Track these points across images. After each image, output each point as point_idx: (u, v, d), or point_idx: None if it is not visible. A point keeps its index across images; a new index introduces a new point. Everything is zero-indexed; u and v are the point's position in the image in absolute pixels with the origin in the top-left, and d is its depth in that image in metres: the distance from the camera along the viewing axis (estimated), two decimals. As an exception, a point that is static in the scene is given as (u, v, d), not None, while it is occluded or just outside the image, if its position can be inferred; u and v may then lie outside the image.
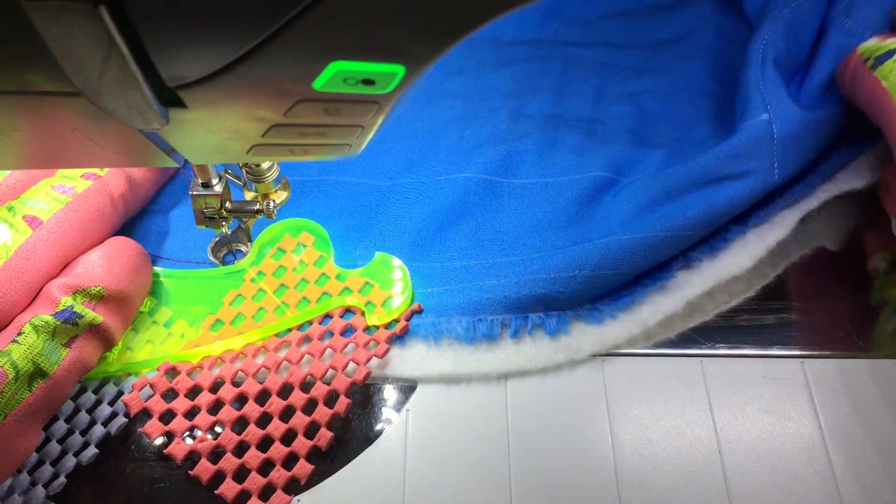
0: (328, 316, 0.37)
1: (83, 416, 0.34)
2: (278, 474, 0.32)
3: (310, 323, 0.37)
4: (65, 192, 0.35)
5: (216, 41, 0.18)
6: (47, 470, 0.32)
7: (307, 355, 0.36)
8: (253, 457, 0.32)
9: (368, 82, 0.20)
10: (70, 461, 0.33)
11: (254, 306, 0.38)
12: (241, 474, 0.32)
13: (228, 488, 0.31)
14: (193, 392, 0.35)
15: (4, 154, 0.24)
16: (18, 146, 0.24)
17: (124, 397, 0.34)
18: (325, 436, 0.33)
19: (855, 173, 0.41)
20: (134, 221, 0.41)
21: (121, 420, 0.34)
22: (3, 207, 0.33)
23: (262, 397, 0.34)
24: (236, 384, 0.35)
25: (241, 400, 0.34)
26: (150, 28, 0.17)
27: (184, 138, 0.23)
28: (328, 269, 0.39)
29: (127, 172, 0.38)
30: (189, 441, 0.33)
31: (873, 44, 0.38)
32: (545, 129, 0.46)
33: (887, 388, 0.34)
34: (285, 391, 0.34)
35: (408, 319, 0.37)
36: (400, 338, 0.36)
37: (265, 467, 0.32)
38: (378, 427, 0.34)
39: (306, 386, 0.35)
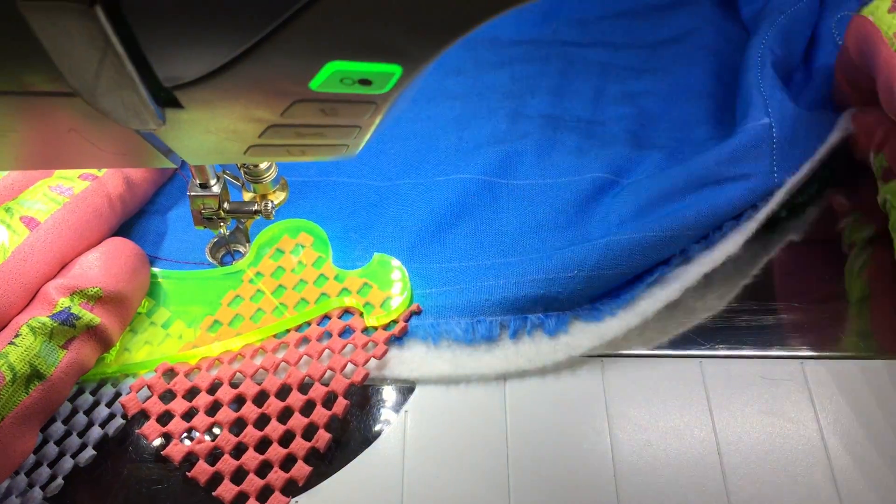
0: (326, 317, 0.37)
1: (81, 418, 0.34)
2: (276, 476, 0.32)
3: (308, 324, 0.37)
4: (62, 192, 0.35)
5: (212, 41, 0.18)
6: (45, 471, 0.32)
7: (305, 356, 0.36)
8: (251, 458, 0.32)
9: (365, 82, 0.20)
10: (68, 463, 0.33)
11: (252, 307, 0.37)
12: (238, 476, 0.32)
13: (226, 490, 0.31)
14: (191, 393, 0.34)
15: (1, 155, 0.24)
16: (15, 147, 0.24)
17: (122, 399, 0.34)
18: (323, 437, 0.33)
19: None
20: (132, 222, 0.41)
21: (118, 421, 0.34)
22: (0, 208, 0.33)
23: (261, 398, 0.34)
24: (234, 385, 0.35)
25: (239, 401, 0.34)
26: (146, 28, 0.17)
27: (181, 139, 0.23)
28: (326, 270, 0.39)
29: (125, 173, 0.38)
30: (187, 442, 0.33)
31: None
32: (544, 129, 0.46)
33: (887, 388, 0.34)
34: (283, 392, 0.34)
35: (406, 320, 0.37)
36: (399, 339, 0.36)
37: (263, 469, 0.32)
38: (376, 428, 0.34)
39: (304, 387, 0.35)
